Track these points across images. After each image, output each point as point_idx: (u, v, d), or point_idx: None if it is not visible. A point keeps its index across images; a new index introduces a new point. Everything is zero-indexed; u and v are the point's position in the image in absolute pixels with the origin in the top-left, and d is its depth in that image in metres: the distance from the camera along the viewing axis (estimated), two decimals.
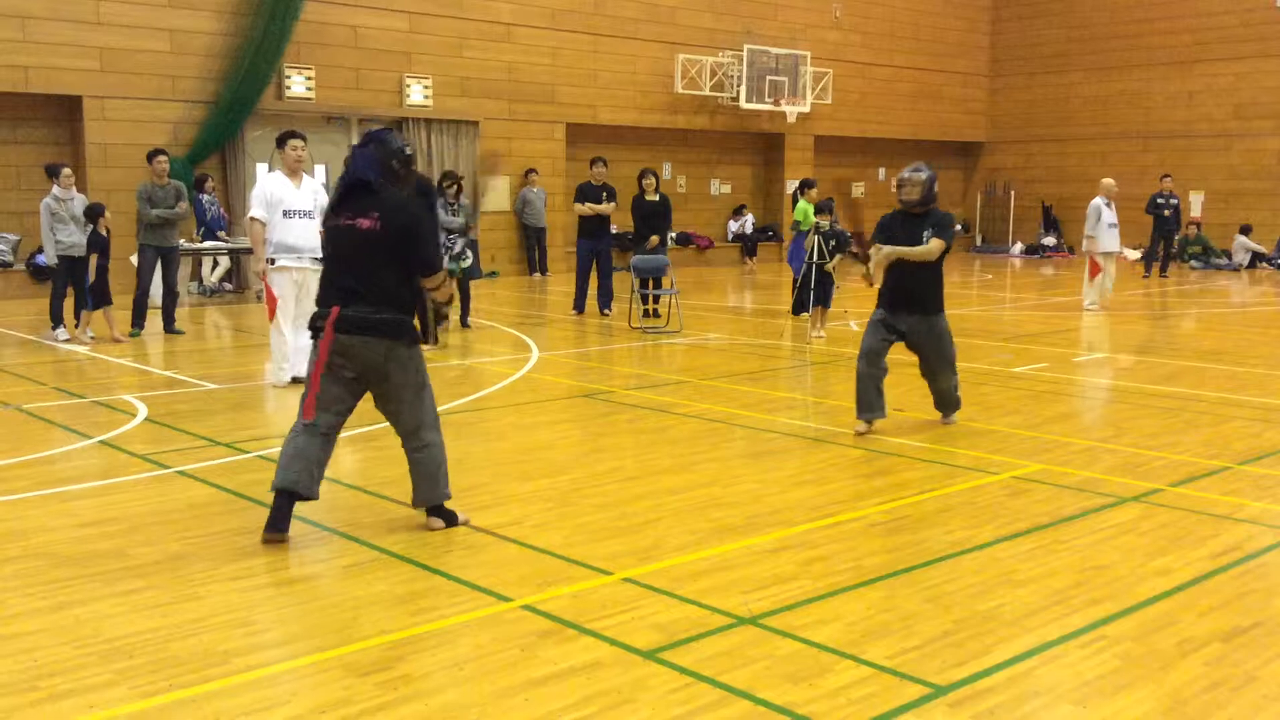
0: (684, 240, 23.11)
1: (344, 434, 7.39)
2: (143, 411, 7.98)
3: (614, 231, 15.36)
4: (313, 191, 9.05)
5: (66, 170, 11.89)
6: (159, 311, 12.51)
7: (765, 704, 3.50)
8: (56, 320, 11.80)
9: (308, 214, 8.90)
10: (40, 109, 16.10)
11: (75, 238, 11.46)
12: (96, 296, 11.38)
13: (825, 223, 12.22)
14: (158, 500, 5.82)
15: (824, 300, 12.11)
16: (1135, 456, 6.86)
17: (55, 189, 11.62)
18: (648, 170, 14.06)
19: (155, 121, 16.15)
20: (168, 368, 10.12)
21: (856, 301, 14.26)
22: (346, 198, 5.17)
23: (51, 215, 11.51)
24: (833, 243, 12.12)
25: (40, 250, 11.86)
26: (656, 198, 13.81)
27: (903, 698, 3.56)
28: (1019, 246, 27.47)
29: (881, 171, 26.96)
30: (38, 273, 15.49)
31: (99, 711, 3.45)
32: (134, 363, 10.42)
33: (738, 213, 24.50)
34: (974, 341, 11.91)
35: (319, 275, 8.97)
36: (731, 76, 22.75)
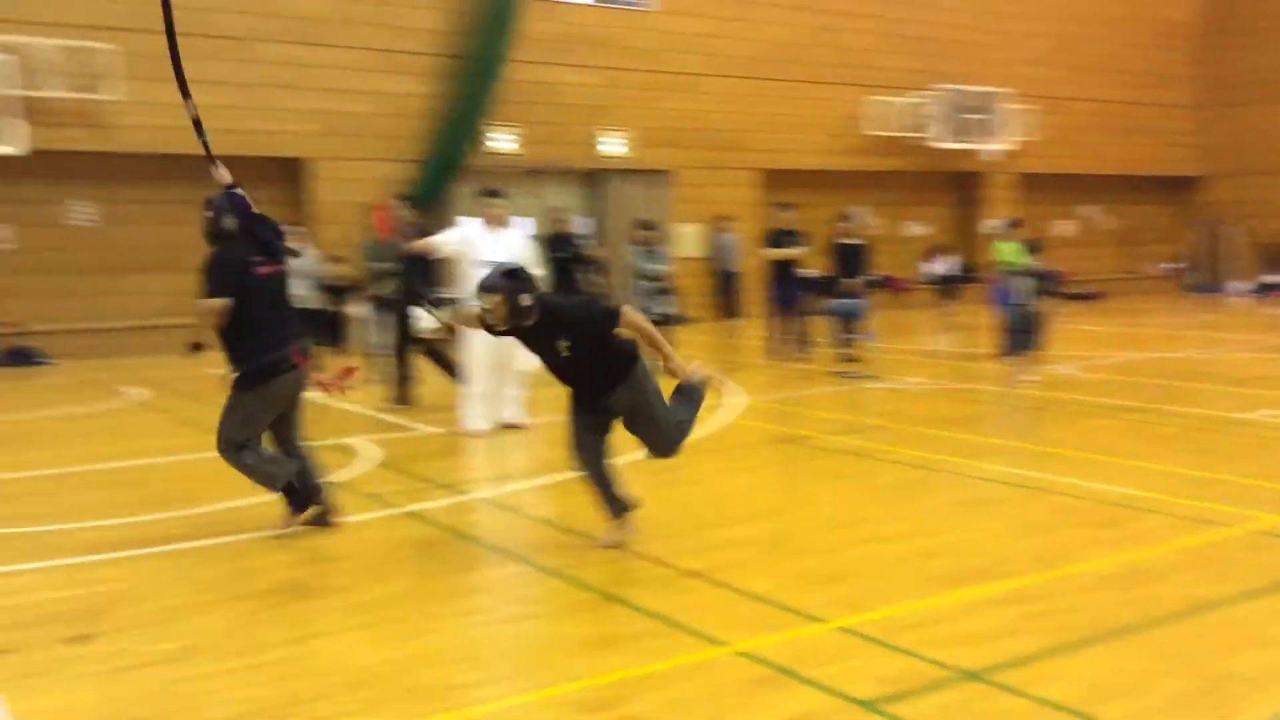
0: (880, 284, 22.81)
1: (554, 478, 7.66)
2: (371, 454, 8.42)
3: (808, 275, 15.33)
4: (509, 243, 9.39)
5: (297, 228, 12.74)
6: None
7: None
8: None
9: None
10: (268, 170, 17.29)
11: (306, 291, 12.24)
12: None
13: (1033, 263, 11.85)
14: (387, 538, 6.14)
15: (1034, 343, 11.73)
16: None
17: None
18: (844, 213, 14.01)
19: (376, 180, 17.10)
20: (390, 413, 10.65)
21: (1067, 345, 13.77)
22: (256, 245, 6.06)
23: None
24: (1042, 283, 11.75)
25: None
26: (854, 240, 13.73)
27: None
28: (1238, 285, 25.98)
29: (1089, 209, 26.00)
30: None
31: None
32: (359, 408, 11.01)
33: (935, 255, 24.03)
34: (1194, 385, 11.33)
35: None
36: (924, 116, 22.47)
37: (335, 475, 7.66)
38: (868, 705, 3.85)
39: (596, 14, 19.51)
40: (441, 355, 10.85)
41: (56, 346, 15.47)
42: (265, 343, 5.97)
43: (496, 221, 9.35)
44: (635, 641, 4.50)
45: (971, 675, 4.09)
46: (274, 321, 6.06)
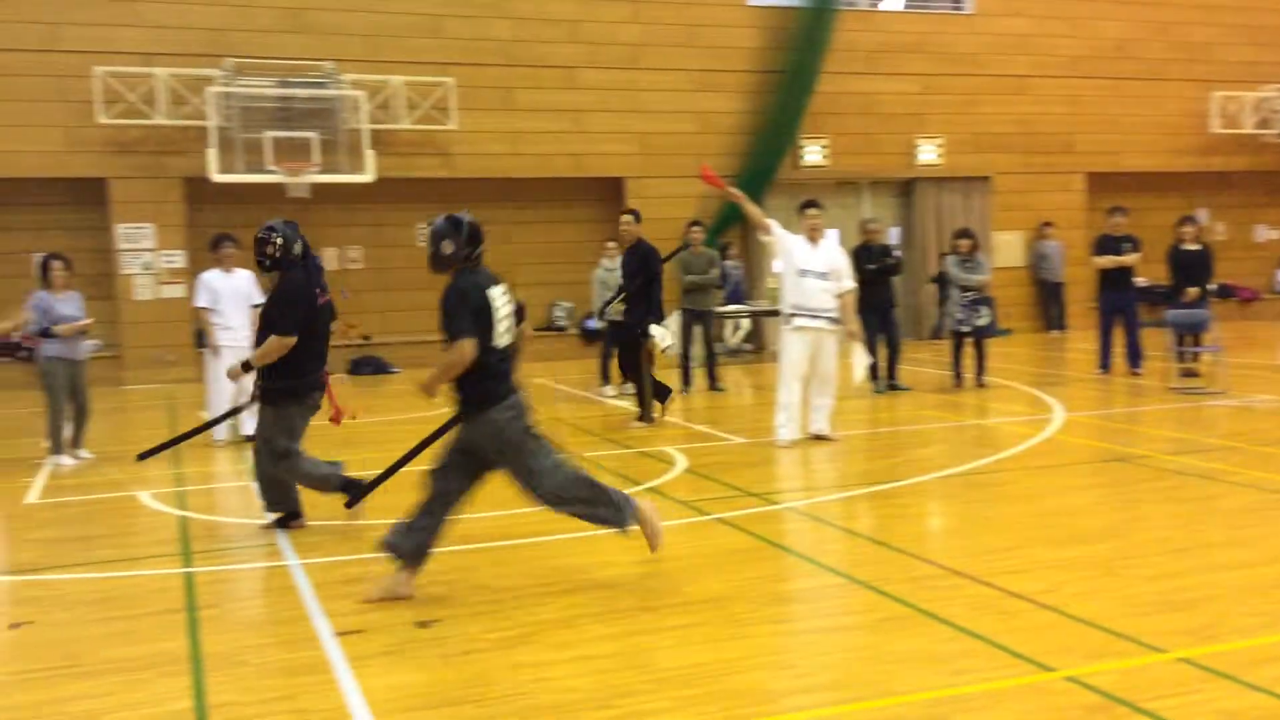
0: (1225, 293, 21.02)
1: (864, 490, 7.57)
2: (681, 462, 8.64)
3: (1142, 284, 14.37)
4: (829, 255, 9.36)
5: (611, 244, 13.29)
6: (701, 371, 13.49)
7: None
8: (604, 378, 13.13)
9: (822, 275, 9.22)
10: (589, 190, 18.12)
11: (621, 304, 12.69)
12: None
13: None
14: (700, 544, 6.27)
15: None
16: None
17: (604, 261, 13.00)
18: (1186, 217, 13.01)
19: (686, 197, 17.53)
20: (700, 423, 10.89)
21: None
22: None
23: (601, 284, 12.88)
24: None
25: (590, 315, 13.30)
26: (1196, 247, 12.72)
27: None
28: None
29: None
30: (587, 335, 17.34)
31: None
32: (669, 417, 11.31)
33: None
34: None
35: (834, 335, 9.32)
36: (1277, 112, 20.51)
37: (649, 482, 7.92)
38: None
39: (912, 20, 19.14)
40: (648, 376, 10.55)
41: (401, 356, 16.84)
42: (317, 361, 6.70)
43: (816, 233, 9.36)
44: (954, 661, 4.37)
45: None
46: (325, 342, 6.78)
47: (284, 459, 6.56)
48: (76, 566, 6.14)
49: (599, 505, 5.49)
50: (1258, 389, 11.70)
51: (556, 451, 5.51)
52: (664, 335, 10.15)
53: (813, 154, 18.49)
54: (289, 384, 6.54)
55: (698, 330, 13.38)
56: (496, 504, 7.41)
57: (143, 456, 7.03)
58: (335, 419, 6.91)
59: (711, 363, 13.39)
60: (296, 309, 6.48)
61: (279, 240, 6.49)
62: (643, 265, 10.39)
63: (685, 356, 13.26)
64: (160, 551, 6.39)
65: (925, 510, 7.20)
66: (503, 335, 5.38)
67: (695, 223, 13.62)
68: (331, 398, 6.86)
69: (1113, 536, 6.16)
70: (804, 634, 4.84)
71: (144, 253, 15.63)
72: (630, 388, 12.86)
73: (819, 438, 9.34)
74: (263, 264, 6.55)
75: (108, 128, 15.13)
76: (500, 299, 5.40)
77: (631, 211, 10.72)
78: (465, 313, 5.25)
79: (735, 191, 9.65)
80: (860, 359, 9.75)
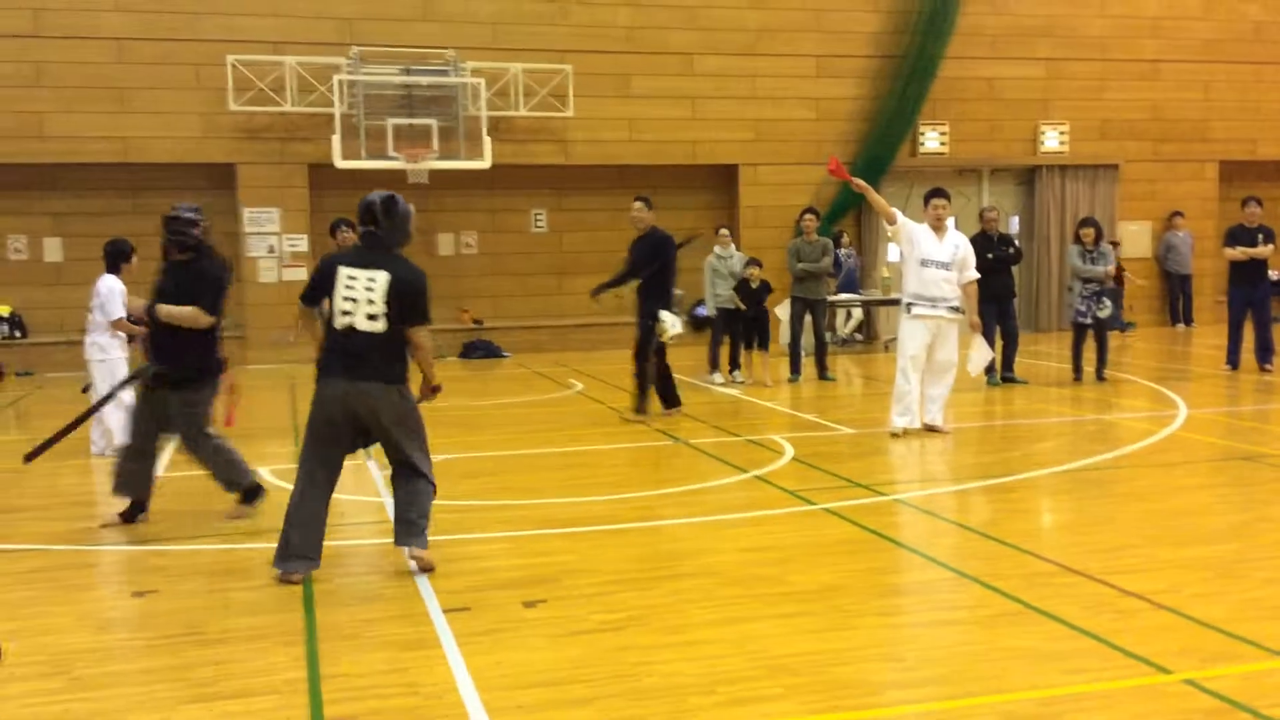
0: None
1: (976, 484, 7.43)
2: (789, 451, 8.59)
3: (1275, 277, 13.79)
4: (954, 245, 9.19)
5: (724, 230, 13.26)
6: (811, 360, 13.39)
7: None
8: (713, 365, 13.12)
9: (945, 265, 9.06)
10: (704, 177, 18.07)
11: (731, 291, 12.67)
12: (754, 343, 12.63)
13: None
14: (808, 533, 6.24)
15: None
16: None
17: (716, 248, 12.98)
18: None
19: (800, 184, 17.39)
20: (808, 412, 10.81)
21: None
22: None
23: (713, 272, 12.86)
24: None
25: (701, 302, 13.28)
26: None
27: None
28: None
29: None
30: (696, 322, 17.33)
31: None
32: (777, 405, 11.26)
33: None
34: None
35: (954, 325, 9.17)
36: None
37: (756, 470, 7.90)
38: None
39: (1039, 3, 18.59)
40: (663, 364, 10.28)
41: (511, 341, 17.07)
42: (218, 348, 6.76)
43: (941, 222, 9.20)
44: (1067, 659, 4.27)
45: None
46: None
47: (205, 440, 6.64)
48: (200, 538, 6.40)
49: None
50: None
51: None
52: (674, 322, 10.00)
53: (932, 140, 18.14)
54: (203, 366, 6.59)
55: (809, 319, 13.27)
56: (604, 488, 7.50)
57: (29, 458, 6.42)
58: (229, 420, 7.00)
59: (822, 352, 13.27)
60: (222, 292, 6.62)
61: (206, 224, 6.63)
62: (655, 253, 10.19)
63: (796, 345, 13.17)
64: (279, 526, 6.60)
65: (1039, 506, 7.04)
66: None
67: (809, 210, 13.50)
68: (232, 396, 6.97)
69: (1235, 538, 5.94)
70: (912, 627, 4.78)
71: (269, 236, 16.14)
72: (740, 375, 12.86)
73: (931, 429, 9.19)
74: (184, 244, 6.57)
75: (238, 114, 15.63)
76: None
77: (642, 198, 10.51)
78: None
79: (860, 181, 9.50)
80: (980, 352, 9.56)
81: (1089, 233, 12.19)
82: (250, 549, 6.11)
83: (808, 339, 13.34)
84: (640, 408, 10.21)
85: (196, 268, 6.59)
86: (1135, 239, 19.08)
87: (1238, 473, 7.69)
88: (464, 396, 12.06)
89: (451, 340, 16.72)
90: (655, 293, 10.10)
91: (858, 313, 17.76)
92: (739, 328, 12.83)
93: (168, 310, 6.48)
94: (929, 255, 9.04)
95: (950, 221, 9.41)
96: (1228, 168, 19.38)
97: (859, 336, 17.93)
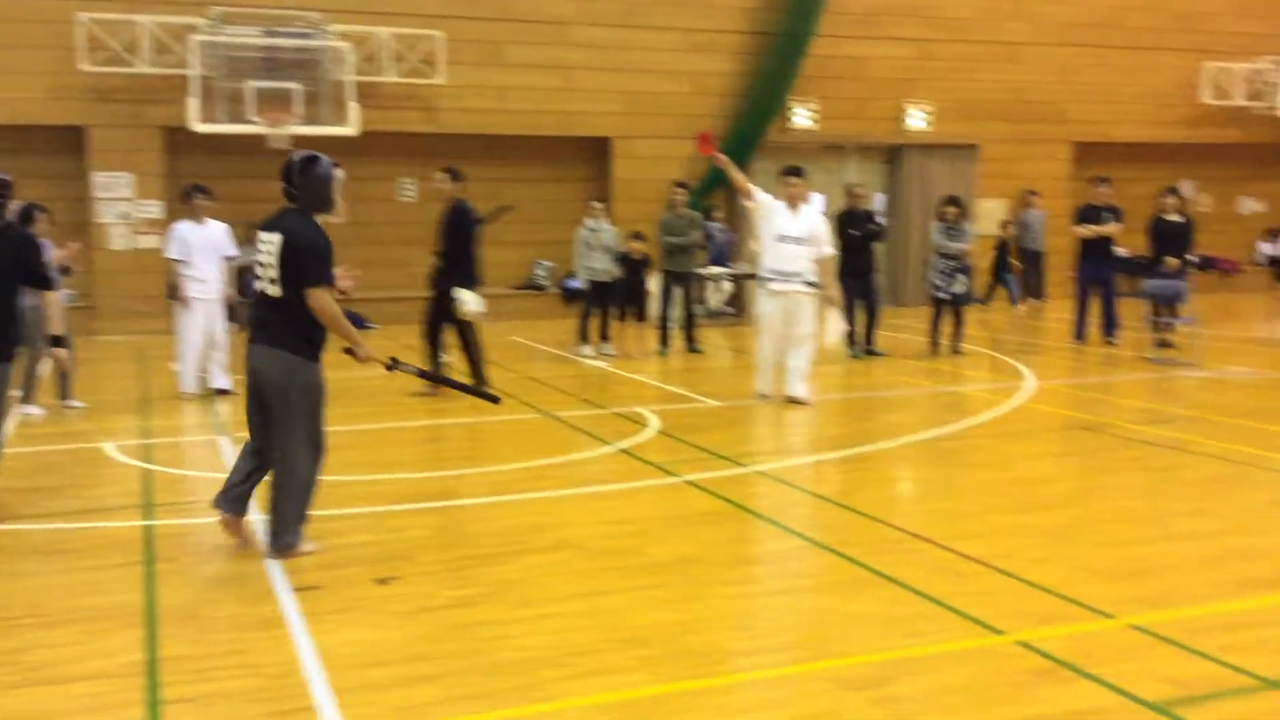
0: (1206, 264, 21.06)
1: (834, 455, 7.61)
2: (654, 424, 8.65)
3: (1123, 255, 14.40)
4: (808, 221, 9.40)
5: (596, 203, 13.22)
6: (680, 332, 13.48)
7: None
8: (583, 338, 13.11)
9: (799, 241, 9.28)
10: (576, 150, 17.99)
11: (604, 264, 12.67)
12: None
13: None
14: (669, 505, 6.30)
15: None
16: None
17: (587, 220, 12.95)
18: (1170, 188, 12.99)
19: (674, 158, 17.42)
20: (675, 384, 10.90)
21: None
22: None
23: (584, 244, 12.84)
24: None
25: (571, 275, 13.25)
26: (1179, 218, 12.73)
27: None
28: None
29: None
30: (567, 295, 17.30)
31: (620, 692, 3.81)
32: (645, 378, 11.33)
33: (1274, 234, 21.95)
34: None
35: (808, 299, 9.38)
36: (1271, 84, 20.45)
37: (621, 443, 7.93)
38: (1155, 707, 3.61)
39: None
40: (470, 340, 9.96)
41: (378, 312, 16.74)
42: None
43: (795, 199, 9.39)
44: (907, 623, 4.41)
45: (1276, 685, 3.75)
46: None
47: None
48: (40, 517, 6.14)
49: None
50: (1231, 361, 11.77)
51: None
52: (471, 300, 9.80)
53: (801, 117, 18.37)
54: (10, 340, 6.15)
55: (678, 292, 13.35)
56: (466, 462, 7.45)
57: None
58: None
59: (690, 324, 13.39)
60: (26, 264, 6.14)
61: (7, 196, 6.23)
62: (458, 227, 10.01)
63: (664, 318, 13.25)
64: (122, 504, 6.39)
65: (892, 475, 7.24)
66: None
67: (680, 184, 13.56)
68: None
69: (1073, 504, 6.21)
70: (763, 596, 4.88)
71: (120, 202, 15.50)
72: (608, 348, 12.88)
73: (793, 401, 9.38)
74: None
75: (89, 75, 14.94)
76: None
77: (449, 170, 10.35)
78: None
79: (722, 157, 9.62)
80: (836, 324, 9.85)
81: (953, 210, 12.54)
82: (90, 529, 5.89)
83: (677, 312, 13.44)
84: (474, 380, 9.62)
85: (20, 240, 6.22)
86: (992, 217, 19.68)
87: (1079, 442, 8.03)
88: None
89: None
90: (456, 268, 9.84)
91: (728, 286, 17.94)
92: (609, 300, 12.85)
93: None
94: (784, 231, 9.27)
95: (817, 198, 9.62)
96: (1081, 149, 20.12)
97: (729, 310, 18.12)
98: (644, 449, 7.75)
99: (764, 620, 4.55)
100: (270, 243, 5.22)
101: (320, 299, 5.25)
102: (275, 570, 5.11)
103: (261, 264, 5.26)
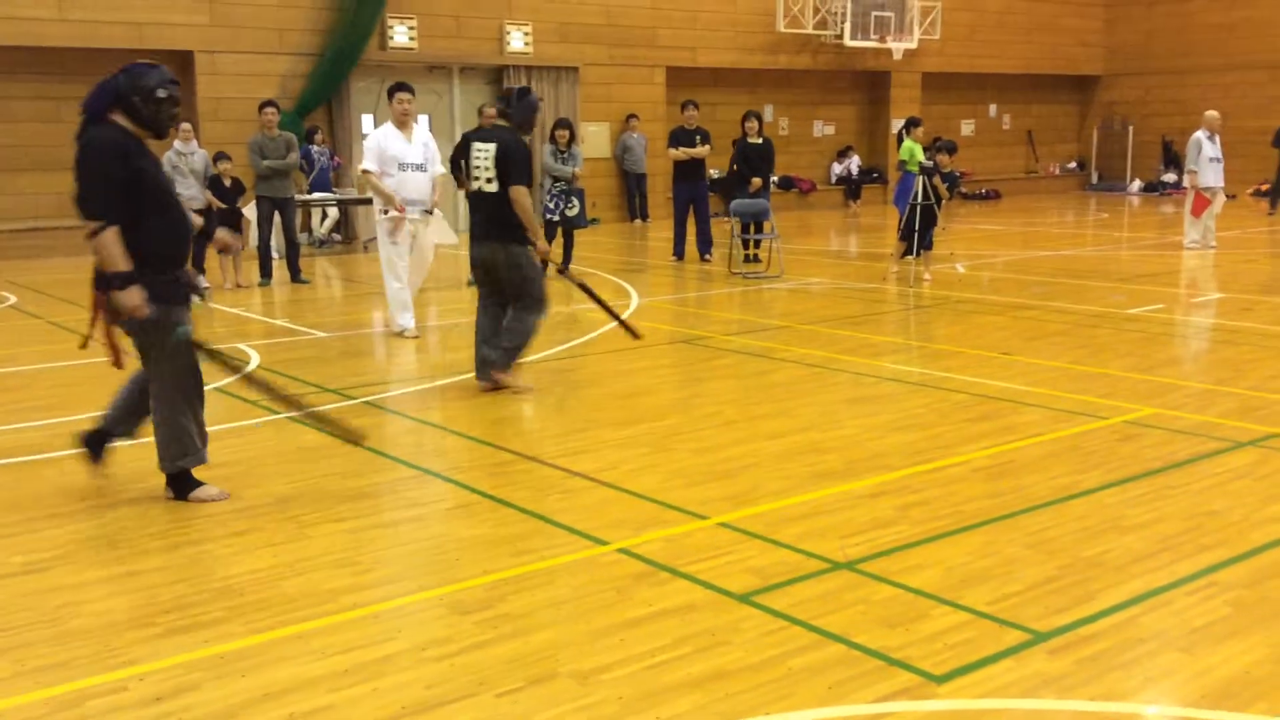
0: (786, 184, 22.81)
1: (449, 381, 7.56)
2: (255, 359, 8.21)
3: (713, 176, 15.26)
4: (422, 143, 9.12)
5: (186, 125, 12.16)
6: (282, 262, 12.81)
7: (860, 648, 3.48)
8: None
9: (420, 167, 9.00)
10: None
11: (194, 191, 11.73)
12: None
13: (943, 163, 11.78)
14: (267, 445, 6.01)
15: (927, 243, 11.81)
16: (1253, 399, 6.60)
17: (176, 143, 11.92)
18: (751, 113, 13.85)
19: (264, 75, 16.44)
20: (280, 317, 10.40)
21: (965, 244, 13.91)
22: None
23: (173, 169, 11.82)
24: (945, 183, 11.75)
25: None
26: (760, 140, 13.62)
27: (1001, 644, 3.50)
28: (1137, 184, 26.47)
29: (993, 108, 26.23)
30: None
31: (212, 646, 3.58)
32: (247, 312, 10.73)
33: (842, 155, 24.08)
34: (1086, 283, 11.55)
35: (429, 227, 9.18)
36: (835, 14, 22.25)
37: (215, 383, 7.45)
38: (739, 598, 3.87)
39: None
40: None
41: None
42: None
43: (407, 118, 9.00)
44: (516, 542, 4.47)
45: (843, 566, 4.14)
46: None
47: None
48: None
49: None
50: (811, 273, 12.84)
51: None
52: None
53: (400, 35, 17.86)
54: None
55: (278, 219, 12.69)
56: (39, 413, 6.73)
57: None
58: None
59: (293, 253, 12.78)
60: None
61: None
62: None
63: (266, 246, 12.57)
64: None
65: (502, 398, 7.28)
66: None
67: (269, 103, 12.82)
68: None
69: (672, 414, 6.54)
70: (369, 530, 4.76)
71: None
72: (204, 280, 12.02)
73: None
74: None
75: None
76: None
77: None
78: None
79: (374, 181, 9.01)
80: (442, 235, 9.65)
81: (563, 134, 12.69)
82: None
83: (278, 240, 12.79)
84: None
85: None
86: (596, 140, 20.19)
87: (680, 355, 8.46)
88: None
89: None
90: None
91: (334, 212, 17.31)
92: (207, 229, 11.94)
93: None
94: (405, 159, 8.91)
95: (423, 119, 9.34)
96: (673, 73, 21.00)
97: (337, 237, 17.50)
98: (241, 387, 7.31)
99: (370, 554, 4.44)
100: (486, 151, 6.72)
101: (521, 194, 6.79)
102: None
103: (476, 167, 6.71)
